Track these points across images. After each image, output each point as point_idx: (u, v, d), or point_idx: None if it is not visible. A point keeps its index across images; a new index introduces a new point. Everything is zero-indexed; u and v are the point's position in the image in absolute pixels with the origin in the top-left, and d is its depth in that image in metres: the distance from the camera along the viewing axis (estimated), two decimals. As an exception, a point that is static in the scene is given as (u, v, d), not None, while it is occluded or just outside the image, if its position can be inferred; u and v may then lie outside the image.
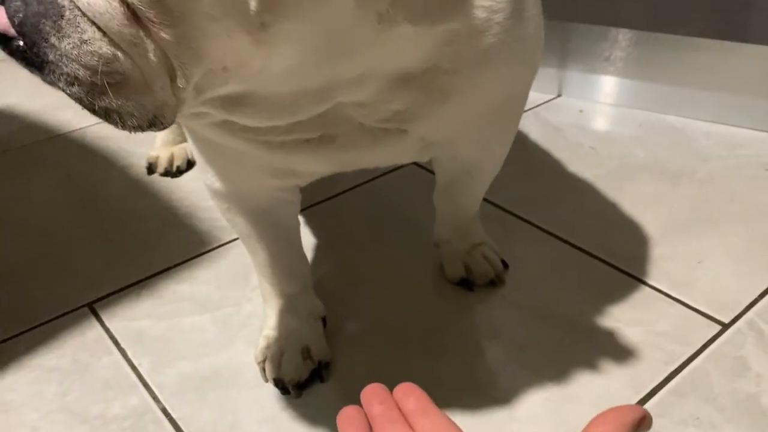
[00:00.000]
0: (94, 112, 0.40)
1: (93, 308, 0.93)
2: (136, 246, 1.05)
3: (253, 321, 0.89)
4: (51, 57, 0.38)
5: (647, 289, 0.90)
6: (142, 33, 0.39)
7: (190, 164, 1.24)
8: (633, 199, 1.07)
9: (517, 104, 0.72)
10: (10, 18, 0.38)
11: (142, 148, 1.30)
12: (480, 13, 0.54)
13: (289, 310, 0.80)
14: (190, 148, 1.24)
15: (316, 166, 0.63)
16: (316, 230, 1.06)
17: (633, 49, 1.29)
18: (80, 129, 1.41)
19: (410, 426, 0.48)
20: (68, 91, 0.40)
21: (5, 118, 1.48)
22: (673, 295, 0.88)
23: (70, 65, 0.38)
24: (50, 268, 1.01)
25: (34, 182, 1.24)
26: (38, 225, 1.12)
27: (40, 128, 1.43)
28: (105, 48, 0.39)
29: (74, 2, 0.38)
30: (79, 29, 0.38)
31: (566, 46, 1.34)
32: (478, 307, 0.89)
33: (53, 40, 0.38)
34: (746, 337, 0.82)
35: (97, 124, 1.41)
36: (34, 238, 1.09)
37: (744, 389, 0.75)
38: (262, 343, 0.80)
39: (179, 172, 1.22)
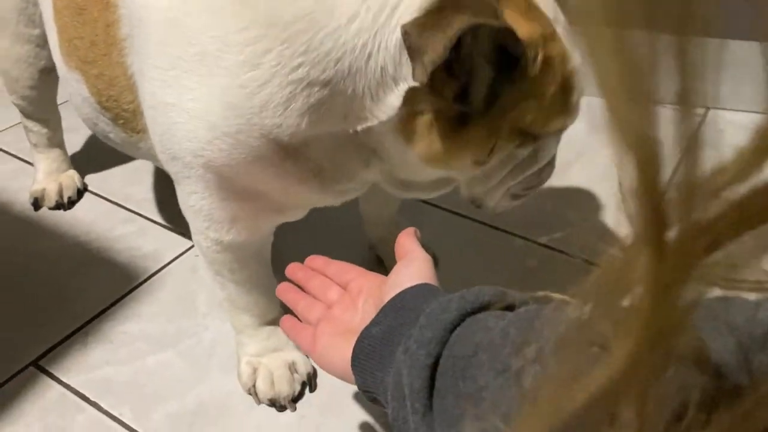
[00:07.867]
0: None
1: (40, 365, 0.89)
2: (59, 292, 1.00)
3: (218, 349, 0.91)
4: None
5: (562, 256, 1.05)
6: None
7: (80, 193, 1.17)
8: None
9: None
10: None
11: (15, 181, 1.20)
12: None
13: (271, 335, 0.85)
14: (77, 177, 1.18)
15: (337, 201, 0.73)
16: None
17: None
18: (-75, 166, 1.26)
19: (324, 275, 0.67)
20: None
21: None
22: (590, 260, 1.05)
23: None
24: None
25: None
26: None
27: None
28: None
29: None
30: None
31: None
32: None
33: None
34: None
35: (-56, 158, 1.27)
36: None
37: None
38: (247, 370, 0.84)
39: (71, 204, 1.16)
